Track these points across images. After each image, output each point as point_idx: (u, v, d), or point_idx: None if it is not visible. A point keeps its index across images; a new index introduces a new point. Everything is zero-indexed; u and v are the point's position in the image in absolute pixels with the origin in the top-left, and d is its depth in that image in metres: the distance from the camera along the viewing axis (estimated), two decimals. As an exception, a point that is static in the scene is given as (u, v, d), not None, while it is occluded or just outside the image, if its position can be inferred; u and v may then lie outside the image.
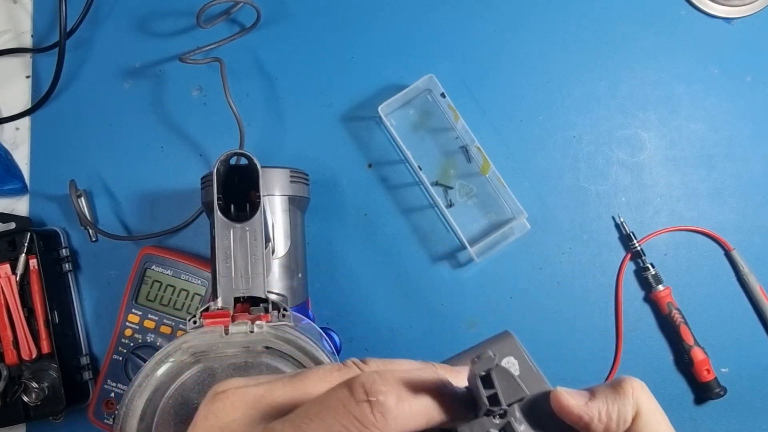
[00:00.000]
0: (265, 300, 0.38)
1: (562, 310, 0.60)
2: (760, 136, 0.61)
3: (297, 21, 0.63)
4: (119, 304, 0.58)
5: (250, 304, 0.39)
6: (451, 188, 0.61)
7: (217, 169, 0.39)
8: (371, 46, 0.63)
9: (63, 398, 0.56)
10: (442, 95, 0.58)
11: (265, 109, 0.62)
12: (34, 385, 0.55)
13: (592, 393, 0.26)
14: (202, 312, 0.36)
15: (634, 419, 0.25)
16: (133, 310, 0.57)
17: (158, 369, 0.33)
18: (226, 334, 0.33)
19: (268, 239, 0.46)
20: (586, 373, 0.59)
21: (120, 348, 0.57)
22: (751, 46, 0.61)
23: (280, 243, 0.49)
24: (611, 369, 0.59)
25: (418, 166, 0.59)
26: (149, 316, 0.57)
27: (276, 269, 0.49)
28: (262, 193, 0.40)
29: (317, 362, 0.34)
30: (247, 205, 0.42)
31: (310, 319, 0.53)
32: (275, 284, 0.48)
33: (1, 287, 0.57)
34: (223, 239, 0.39)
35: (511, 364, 0.32)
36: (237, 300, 0.39)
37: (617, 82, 0.62)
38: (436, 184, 0.61)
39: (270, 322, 0.36)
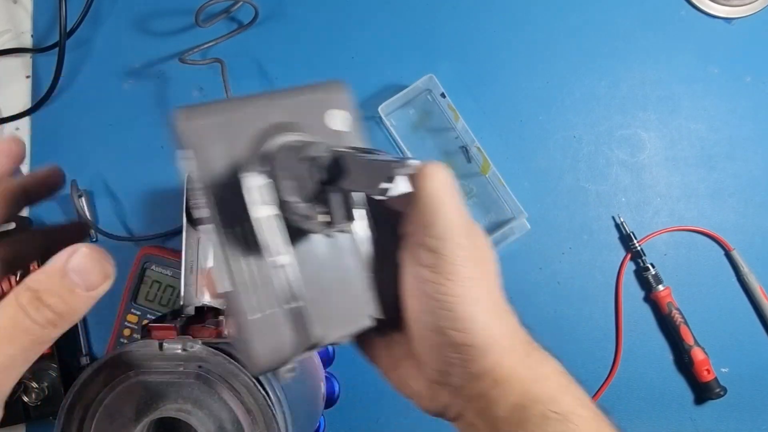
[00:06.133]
0: (223, 312, 0.38)
1: (562, 310, 0.60)
2: (760, 136, 0.61)
3: (296, 21, 0.63)
4: (118, 304, 0.58)
5: (212, 315, 0.38)
6: None
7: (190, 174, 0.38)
8: (371, 46, 0.62)
9: (63, 398, 0.56)
10: (442, 95, 0.58)
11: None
12: (34, 385, 0.55)
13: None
14: (150, 324, 0.36)
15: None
16: (132, 310, 0.57)
17: (96, 377, 0.32)
18: (161, 349, 0.33)
19: None
20: (586, 373, 0.59)
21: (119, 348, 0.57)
22: (751, 46, 0.61)
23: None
24: (611, 369, 0.59)
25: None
26: (148, 316, 0.57)
27: None
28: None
29: (248, 387, 0.34)
30: None
31: None
32: None
33: (1, 287, 0.56)
34: (189, 247, 0.38)
35: (344, 118, 0.31)
36: (200, 309, 0.38)
37: (617, 82, 0.62)
38: None
39: (219, 336, 0.36)
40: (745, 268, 0.59)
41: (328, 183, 0.25)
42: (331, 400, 0.51)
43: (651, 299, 0.60)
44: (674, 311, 0.58)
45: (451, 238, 0.28)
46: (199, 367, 0.34)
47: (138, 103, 0.63)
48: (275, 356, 0.27)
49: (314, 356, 0.49)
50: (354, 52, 0.62)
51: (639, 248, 0.59)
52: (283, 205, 0.26)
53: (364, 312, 0.29)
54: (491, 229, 0.60)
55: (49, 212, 0.62)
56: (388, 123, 0.58)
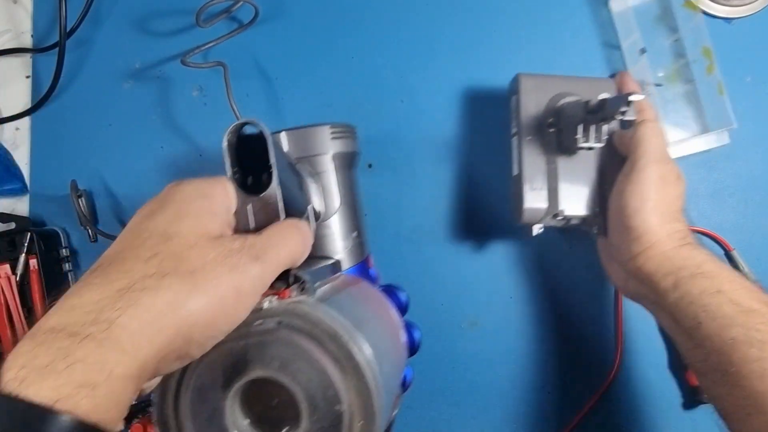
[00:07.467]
0: (286, 275, 0.37)
1: (562, 310, 0.60)
2: (760, 136, 0.61)
3: (296, 20, 0.63)
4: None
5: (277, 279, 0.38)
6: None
7: (229, 142, 0.38)
8: (371, 45, 0.62)
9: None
10: None
11: (266, 109, 0.62)
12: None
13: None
14: None
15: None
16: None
17: None
18: None
19: (298, 207, 0.43)
20: (586, 373, 0.59)
21: (120, 348, 0.57)
22: (751, 46, 0.61)
23: (330, 204, 0.49)
24: (611, 369, 0.59)
25: (641, 49, 0.57)
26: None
27: (327, 231, 0.48)
28: (273, 162, 0.38)
29: (332, 334, 0.33)
30: (263, 175, 0.39)
31: (372, 276, 0.51)
32: (327, 247, 0.48)
33: (1, 287, 0.57)
34: (241, 213, 0.38)
35: (605, 95, 0.47)
36: None
37: (617, 82, 0.62)
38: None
39: (289, 297, 0.36)
40: (745, 268, 0.59)
41: (590, 117, 0.45)
42: (412, 348, 0.49)
43: (651, 299, 0.60)
44: (674, 311, 0.58)
45: (647, 159, 0.45)
46: (279, 322, 0.34)
47: (138, 104, 0.63)
48: (534, 215, 0.51)
49: (387, 302, 0.48)
50: (354, 52, 0.62)
51: (639, 248, 0.59)
52: (563, 130, 0.50)
53: (591, 205, 0.51)
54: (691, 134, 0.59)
55: (48, 212, 0.62)
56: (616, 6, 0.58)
